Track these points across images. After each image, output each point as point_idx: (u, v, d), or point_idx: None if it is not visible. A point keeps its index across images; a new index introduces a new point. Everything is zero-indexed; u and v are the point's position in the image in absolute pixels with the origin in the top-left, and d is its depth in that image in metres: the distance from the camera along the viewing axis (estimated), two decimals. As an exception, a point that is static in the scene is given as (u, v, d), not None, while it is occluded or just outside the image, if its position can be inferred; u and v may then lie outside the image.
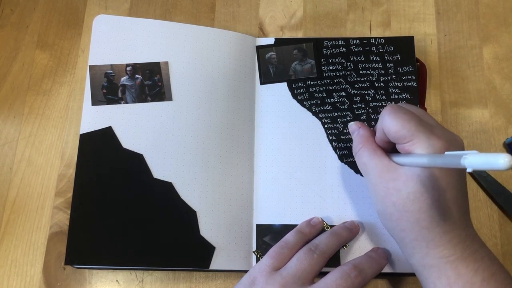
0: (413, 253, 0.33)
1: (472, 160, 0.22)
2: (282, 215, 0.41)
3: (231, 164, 0.42)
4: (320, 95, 0.44)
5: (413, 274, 0.40)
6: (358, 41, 0.45)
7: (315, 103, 0.44)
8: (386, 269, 0.38)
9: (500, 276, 0.31)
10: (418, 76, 0.45)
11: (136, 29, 0.44)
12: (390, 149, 0.36)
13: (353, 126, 0.39)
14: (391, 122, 0.33)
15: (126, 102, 0.43)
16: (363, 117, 0.44)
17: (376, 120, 0.43)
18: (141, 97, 0.43)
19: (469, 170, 0.22)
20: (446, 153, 0.26)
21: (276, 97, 0.45)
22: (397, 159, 0.34)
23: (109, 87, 0.43)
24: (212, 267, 0.39)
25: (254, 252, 0.40)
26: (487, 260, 0.32)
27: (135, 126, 0.42)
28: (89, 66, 0.43)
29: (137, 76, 0.43)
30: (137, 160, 0.41)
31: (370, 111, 0.44)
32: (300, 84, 0.45)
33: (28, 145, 0.44)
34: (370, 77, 0.45)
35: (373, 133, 0.37)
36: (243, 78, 0.45)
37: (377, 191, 0.34)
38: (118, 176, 0.40)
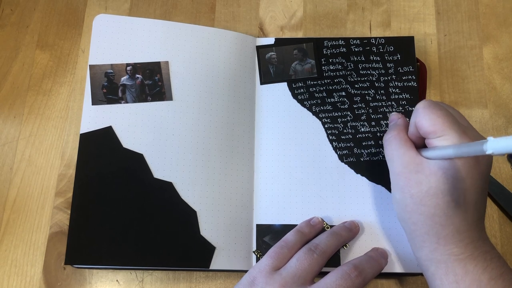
0: (422, 247, 0.34)
1: (493, 143, 0.22)
2: (282, 215, 0.41)
3: (231, 164, 0.42)
4: (320, 95, 0.44)
5: (413, 274, 0.40)
6: (358, 41, 0.45)
7: (315, 103, 0.44)
8: (386, 269, 0.38)
9: (509, 276, 0.31)
10: (418, 76, 0.45)
11: (136, 29, 0.44)
12: (420, 146, 0.36)
13: (393, 116, 0.39)
14: (424, 116, 0.33)
15: (126, 102, 0.43)
16: (363, 117, 0.44)
17: (376, 120, 0.43)
18: (141, 96, 0.43)
19: (488, 152, 0.23)
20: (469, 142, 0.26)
21: (276, 97, 0.45)
22: (425, 152, 0.34)
23: (109, 86, 0.43)
24: (212, 267, 0.39)
25: (254, 252, 0.40)
26: (496, 261, 0.32)
27: (135, 125, 0.42)
28: (89, 66, 0.43)
29: (137, 75, 0.43)
30: (137, 160, 0.41)
31: (370, 111, 0.44)
32: (300, 84, 0.45)
33: (28, 145, 0.44)
34: (370, 77, 0.45)
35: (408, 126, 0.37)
36: (243, 78, 0.45)
37: (398, 180, 0.34)
38: (118, 176, 0.40)
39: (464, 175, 0.31)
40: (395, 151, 0.35)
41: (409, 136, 0.36)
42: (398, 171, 0.34)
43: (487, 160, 0.33)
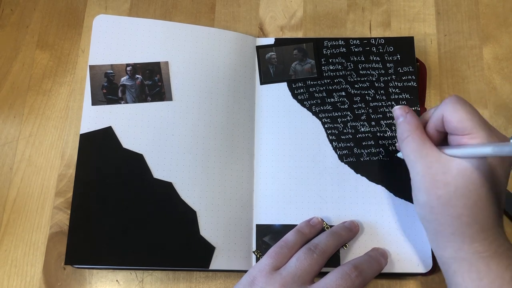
0: (446, 246, 0.33)
1: None
2: (282, 215, 0.41)
3: (231, 164, 0.42)
4: (320, 95, 0.44)
5: (413, 274, 0.40)
6: (358, 41, 0.45)
7: (315, 103, 0.44)
8: (386, 269, 0.38)
9: None
10: (418, 76, 0.45)
11: (136, 29, 0.44)
12: (438, 140, 0.35)
13: (398, 111, 0.36)
14: (455, 111, 0.32)
15: (126, 102, 0.43)
16: (363, 117, 0.44)
17: (376, 120, 0.43)
18: (141, 97, 0.43)
19: None
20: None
21: (276, 97, 0.45)
22: (451, 151, 0.32)
23: (109, 87, 0.43)
24: (212, 267, 0.39)
25: (254, 252, 0.40)
26: None
27: (135, 126, 0.42)
28: (89, 66, 0.43)
29: (137, 76, 0.43)
30: (137, 160, 0.41)
31: (370, 111, 0.44)
32: (300, 84, 0.45)
33: (28, 145, 0.44)
34: (370, 77, 0.45)
35: (420, 121, 0.36)
36: (243, 78, 0.45)
37: (422, 182, 0.33)
38: (118, 176, 0.40)
39: (490, 174, 0.31)
40: (417, 152, 0.33)
41: (428, 130, 0.35)
42: (422, 173, 0.33)
43: (510, 158, 0.32)
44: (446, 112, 0.32)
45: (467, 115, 0.31)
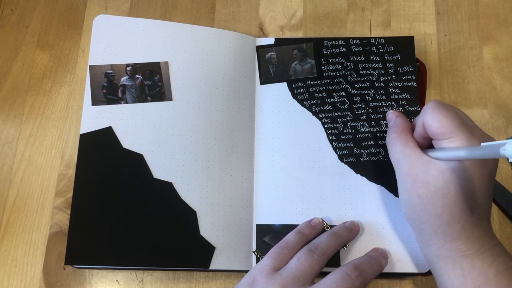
0: (430, 244, 0.34)
1: None
2: (282, 215, 0.41)
3: (231, 164, 0.42)
4: (320, 95, 0.44)
5: (413, 274, 0.40)
6: (358, 41, 0.45)
7: (315, 103, 0.44)
8: (386, 269, 0.38)
9: None
10: (418, 76, 0.45)
11: (136, 29, 0.44)
12: (426, 145, 0.36)
13: (390, 115, 0.39)
14: (433, 117, 0.33)
15: (126, 102, 0.43)
16: (363, 117, 0.44)
17: (376, 120, 0.43)
18: (141, 97, 0.43)
19: (511, 159, 0.23)
20: (482, 144, 0.26)
21: (276, 97, 0.45)
22: (433, 153, 0.33)
23: (109, 87, 0.43)
24: (212, 267, 0.39)
25: (254, 252, 0.40)
26: (503, 256, 0.32)
27: (135, 126, 0.42)
28: (89, 66, 0.43)
29: (137, 76, 0.43)
30: (137, 160, 0.41)
31: (370, 111, 0.44)
32: (300, 84, 0.45)
33: (28, 145, 0.44)
34: (370, 77, 0.45)
35: (409, 124, 0.37)
36: (243, 78, 0.45)
37: (405, 181, 0.34)
38: (118, 176, 0.40)
39: (471, 175, 0.31)
40: (401, 153, 0.35)
41: (415, 136, 0.36)
42: (405, 172, 0.34)
43: (494, 160, 0.33)
44: (426, 118, 0.33)
45: (445, 119, 0.32)
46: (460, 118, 0.33)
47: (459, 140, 0.32)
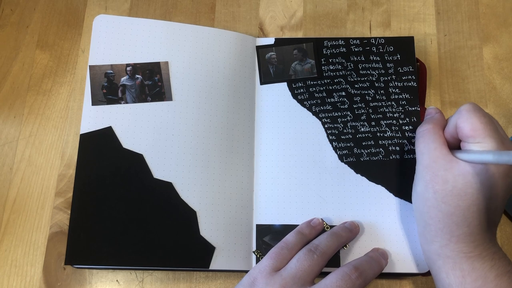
0: (433, 241, 0.34)
1: None
2: (282, 215, 0.41)
3: (231, 164, 0.42)
4: (320, 95, 0.44)
5: (413, 274, 0.40)
6: (358, 41, 0.45)
7: (315, 103, 0.44)
8: (386, 269, 0.38)
9: None
10: (418, 76, 0.45)
11: (136, 29, 0.44)
12: (453, 146, 0.36)
13: (431, 109, 0.39)
14: (467, 119, 0.33)
15: (126, 102, 0.43)
16: (363, 117, 0.44)
17: (376, 120, 0.43)
18: (141, 97, 0.43)
19: None
20: None
21: (276, 97, 0.45)
22: (459, 154, 0.33)
23: (109, 87, 0.43)
24: (212, 267, 0.39)
25: (254, 252, 0.40)
26: (503, 260, 0.32)
27: (135, 126, 0.42)
28: (89, 66, 0.43)
29: (137, 76, 0.43)
30: (137, 160, 0.41)
31: (370, 111, 0.44)
32: (300, 84, 0.45)
33: (28, 145, 0.44)
34: (370, 77, 0.45)
35: (445, 123, 0.37)
36: (243, 78, 0.45)
37: (424, 174, 0.34)
38: (118, 176, 0.40)
39: (494, 183, 0.31)
40: (427, 144, 0.35)
41: (445, 134, 0.36)
42: (425, 165, 0.34)
43: None
44: (460, 119, 0.33)
45: (479, 124, 0.32)
46: (494, 124, 0.33)
47: (489, 146, 0.32)
